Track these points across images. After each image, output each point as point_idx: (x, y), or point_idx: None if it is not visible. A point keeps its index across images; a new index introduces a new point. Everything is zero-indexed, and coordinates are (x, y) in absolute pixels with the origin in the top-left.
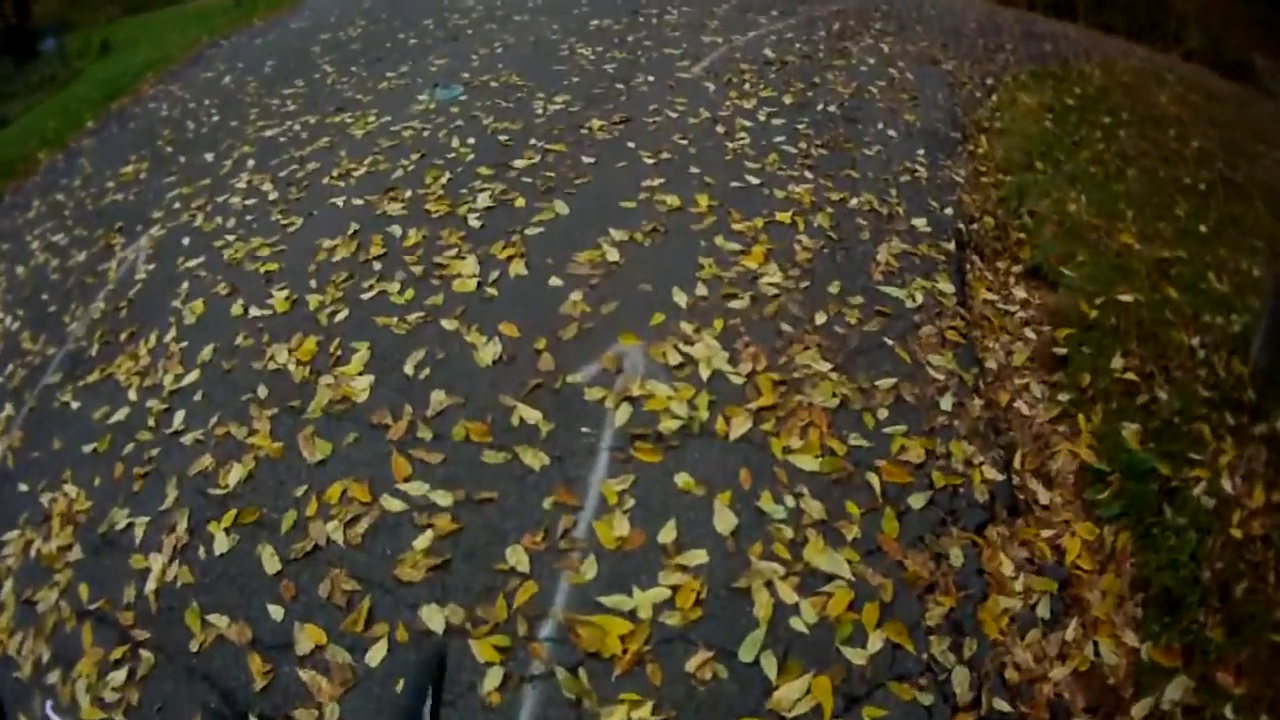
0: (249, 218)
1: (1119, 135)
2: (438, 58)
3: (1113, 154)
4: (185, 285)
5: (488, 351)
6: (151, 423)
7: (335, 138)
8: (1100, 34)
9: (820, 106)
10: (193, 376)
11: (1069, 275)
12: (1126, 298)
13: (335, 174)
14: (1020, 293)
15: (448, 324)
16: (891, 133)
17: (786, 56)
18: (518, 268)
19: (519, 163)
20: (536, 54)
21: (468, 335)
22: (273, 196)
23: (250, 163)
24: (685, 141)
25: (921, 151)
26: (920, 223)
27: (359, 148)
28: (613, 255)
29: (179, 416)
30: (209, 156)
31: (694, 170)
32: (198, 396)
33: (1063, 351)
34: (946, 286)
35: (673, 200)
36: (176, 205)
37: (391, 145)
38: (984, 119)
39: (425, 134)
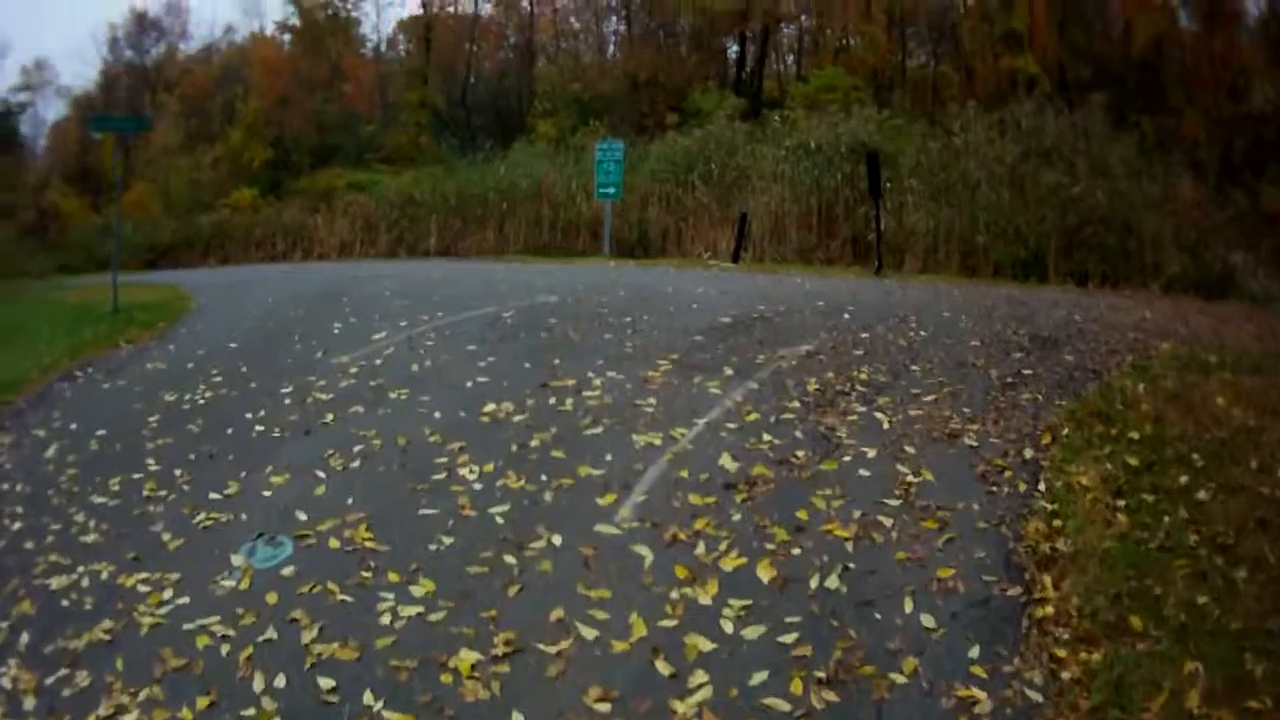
0: None
1: (1206, 505)
2: (277, 469)
3: (1212, 549)
4: None
5: None
6: None
7: (119, 624)
8: (1078, 292)
9: (815, 581)
10: None
11: None
12: None
13: None
14: None
15: None
16: (926, 619)
17: (754, 468)
18: None
19: None
20: (403, 477)
21: None
22: None
23: (22, 641)
24: (607, 707)
25: (975, 651)
26: None
27: (138, 665)
28: None
29: None
30: None
31: None
32: None
33: None
34: None
35: None
36: None
37: (176, 669)
38: (1042, 538)
39: (223, 650)
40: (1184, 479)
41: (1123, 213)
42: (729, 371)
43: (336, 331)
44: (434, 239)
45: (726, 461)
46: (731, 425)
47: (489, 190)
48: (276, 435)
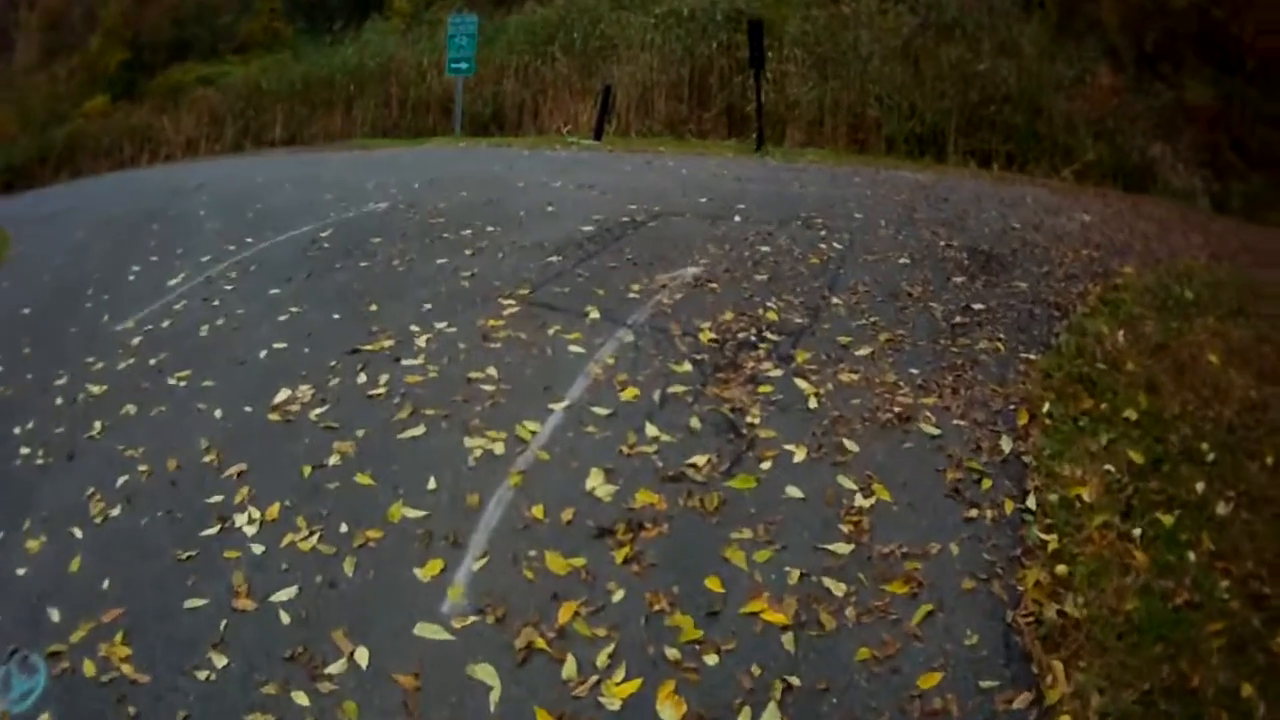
0: None
1: (1228, 526)
2: (34, 526)
3: (1245, 603)
4: None
5: None
6: None
7: None
8: (990, 178)
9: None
10: None
11: None
12: None
13: None
14: None
15: None
16: None
17: (637, 494)
18: None
19: None
20: (170, 534)
21: None
22: None
23: None
24: None
25: None
26: None
27: None
28: None
29: None
30: None
31: None
32: None
33: None
34: None
35: None
36: None
37: None
38: (1045, 596)
39: None
40: (1199, 485)
41: (1031, 93)
42: (594, 314)
43: (133, 278)
44: (279, 128)
45: (597, 483)
46: (601, 410)
47: (335, 73)
48: (40, 463)
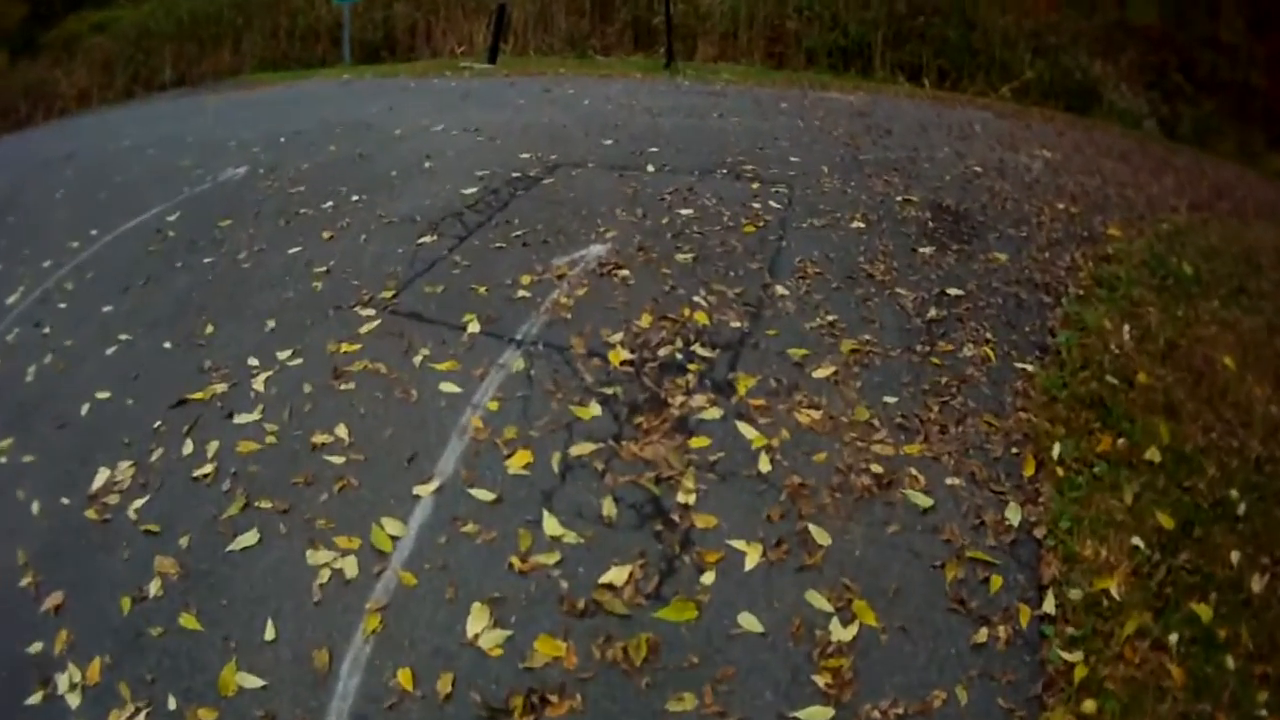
0: None
1: (1263, 611)
2: None
3: None
4: None
5: None
6: None
7: None
8: (928, 98)
9: None
10: None
11: None
12: None
13: None
14: None
15: None
16: None
17: (537, 645)
18: None
19: None
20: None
21: None
22: None
23: None
24: None
25: None
26: None
27: None
28: None
29: None
30: None
31: None
32: None
33: None
34: None
35: None
36: None
37: None
38: None
39: None
40: (1233, 554)
41: (964, 4)
42: (473, 326)
43: None
44: (169, 70)
45: (481, 626)
46: (483, 495)
47: (223, 7)
48: None
